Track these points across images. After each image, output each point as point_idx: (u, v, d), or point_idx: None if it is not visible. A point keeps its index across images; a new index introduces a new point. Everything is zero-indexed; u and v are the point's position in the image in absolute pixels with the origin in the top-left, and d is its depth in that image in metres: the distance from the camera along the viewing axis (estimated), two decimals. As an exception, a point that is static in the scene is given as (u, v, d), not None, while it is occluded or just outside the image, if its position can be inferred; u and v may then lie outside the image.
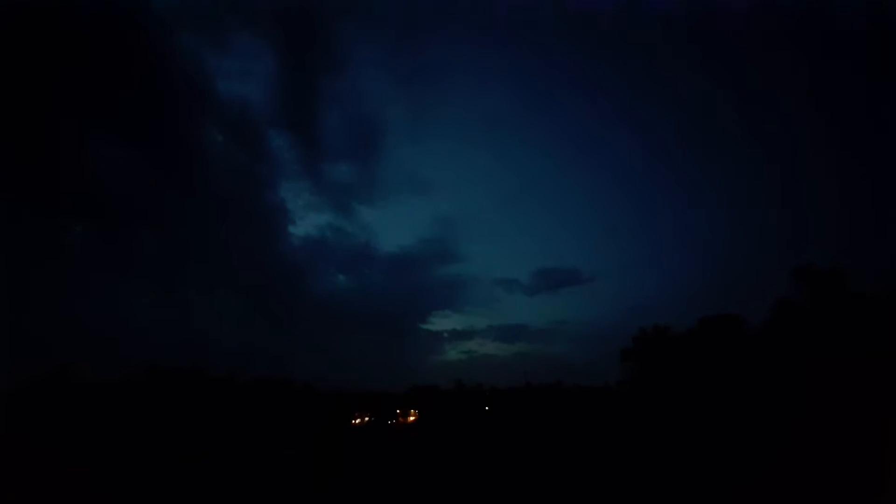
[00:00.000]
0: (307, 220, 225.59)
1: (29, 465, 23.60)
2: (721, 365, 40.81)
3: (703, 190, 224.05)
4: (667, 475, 16.40)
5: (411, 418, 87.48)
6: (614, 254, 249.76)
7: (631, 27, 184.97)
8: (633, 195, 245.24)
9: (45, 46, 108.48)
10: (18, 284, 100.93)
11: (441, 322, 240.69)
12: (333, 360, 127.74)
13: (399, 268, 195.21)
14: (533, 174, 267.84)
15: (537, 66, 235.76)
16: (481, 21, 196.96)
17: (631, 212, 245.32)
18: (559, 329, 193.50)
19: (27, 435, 35.72)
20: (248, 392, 60.52)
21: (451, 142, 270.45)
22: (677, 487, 14.42)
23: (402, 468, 22.62)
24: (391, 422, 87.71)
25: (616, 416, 52.02)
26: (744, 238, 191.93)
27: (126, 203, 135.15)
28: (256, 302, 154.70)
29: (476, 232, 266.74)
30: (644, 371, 57.17)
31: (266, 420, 61.97)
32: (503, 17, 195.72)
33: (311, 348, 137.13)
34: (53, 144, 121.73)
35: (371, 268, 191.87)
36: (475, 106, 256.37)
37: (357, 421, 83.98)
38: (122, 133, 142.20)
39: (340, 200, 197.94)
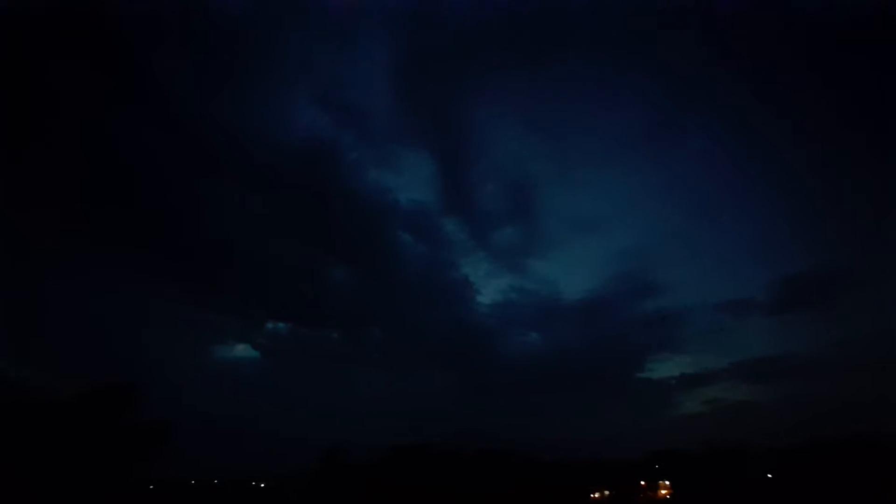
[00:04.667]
0: (490, 287, 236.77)
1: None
2: None
3: None
4: None
5: (663, 492, 72.64)
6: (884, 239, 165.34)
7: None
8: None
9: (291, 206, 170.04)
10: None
11: (663, 368, 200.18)
12: (549, 427, 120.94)
13: (592, 314, 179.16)
14: (721, 170, 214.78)
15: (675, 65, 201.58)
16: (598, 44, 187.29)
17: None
18: (834, 355, 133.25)
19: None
20: (473, 466, 62.61)
21: (604, 172, 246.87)
22: None
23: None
24: (641, 495, 74.83)
25: None
26: None
27: (354, 310, 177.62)
28: (463, 375, 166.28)
29: (672, 254, 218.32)
30: None
31: (498, 496, 61.93)
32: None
33: (523, 416, 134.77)
34: (308, 274, 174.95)
35: (562, 320, 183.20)
36: (616, 128, 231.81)
37: (596, 495, 74.95)
38: (341, 255, 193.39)
39: (514, 261, 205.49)
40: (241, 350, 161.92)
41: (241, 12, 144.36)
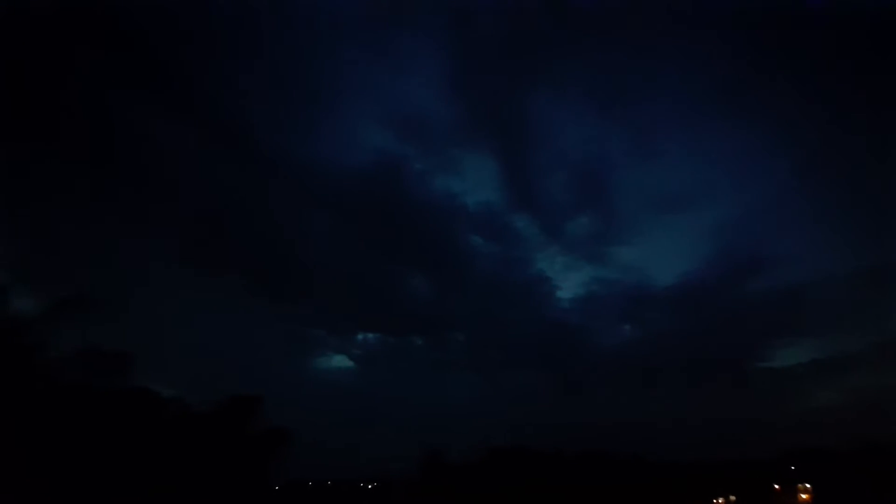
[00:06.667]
0: (569, 280, 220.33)
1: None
2: None
3: None
4: None
5: (803, 496, 63.49)
6: None
7: None
8: None
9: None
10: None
11: (789, 354, 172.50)
12: (656, 425, 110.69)
13: (691, 299, 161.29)
14: (831, 119, 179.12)
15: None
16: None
17: None
18: None
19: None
20: (575, 467, 60.35)
21: (684, 141, 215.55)
22: None
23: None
24: (775, 501, 66.30)
25: None
26: None
27: (435, 316, 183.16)
28: (553, 373, 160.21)
29: (780, 223, 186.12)
30: None
31: (604, 499, 59.12)
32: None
33: (623, 413, 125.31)
34: (389, 286, 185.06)
35: (656, 308, 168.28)
36: (694, 90, 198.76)
37: (720, 501, 67.86)
38: (418, 264, 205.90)
39: (592, 251, 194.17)
40: (339, 361, 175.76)
41: (301, 42, 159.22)
